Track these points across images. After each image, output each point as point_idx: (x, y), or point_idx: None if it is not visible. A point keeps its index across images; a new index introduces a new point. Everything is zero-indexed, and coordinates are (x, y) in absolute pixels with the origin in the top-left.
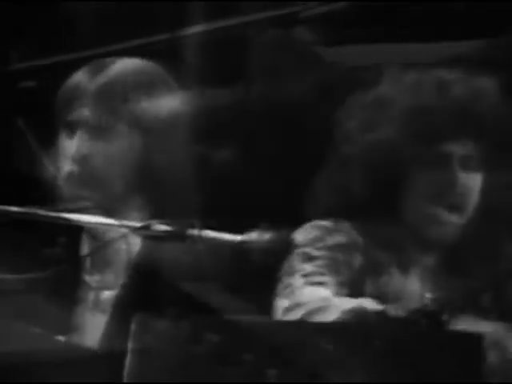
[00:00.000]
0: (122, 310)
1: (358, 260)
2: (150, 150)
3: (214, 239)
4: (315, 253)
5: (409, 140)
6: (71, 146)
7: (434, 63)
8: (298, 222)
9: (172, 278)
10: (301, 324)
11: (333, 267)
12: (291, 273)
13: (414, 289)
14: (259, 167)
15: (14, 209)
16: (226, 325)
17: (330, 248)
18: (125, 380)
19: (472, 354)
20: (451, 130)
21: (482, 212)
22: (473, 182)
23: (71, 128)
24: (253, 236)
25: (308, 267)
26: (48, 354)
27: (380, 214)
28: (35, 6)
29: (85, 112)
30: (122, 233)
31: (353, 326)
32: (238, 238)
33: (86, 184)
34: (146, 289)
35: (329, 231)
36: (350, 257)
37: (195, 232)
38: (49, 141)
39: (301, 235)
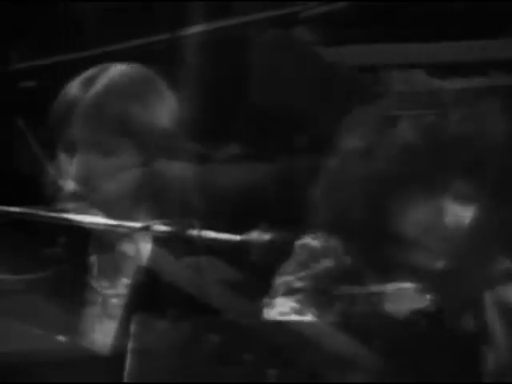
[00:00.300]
0: (131, 313)
1: (345, 286)
2: (150, 160)
3: (214, 239)
4: (297, 284)
5: (405, 175)
6: (71, 165)
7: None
8: (298, 222)
9: (176, 279)
10: (301, 324)
11: (315, 301)
12: (274, 296)
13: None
14: (259, 167)
15: (14, 209)
16: (226, 325)
17: (313, 278)
18: (125, 380)
19: (472, 354)
20: (445, 168)
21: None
22: (465, 215)
23: (69, 146)
24: (253, 236)
25: (287, 305)
26: (48, 355)
27: (371, 235)
28: (35, 6)
29: (81, 130)
30: (126, 234)
31: (353, 326)
32: (237, 237)
33: (91, 203)
34: (153, 291)
35: (315, 256)
36: (336, 282)
37: (195, 232)
38: (49, 141)
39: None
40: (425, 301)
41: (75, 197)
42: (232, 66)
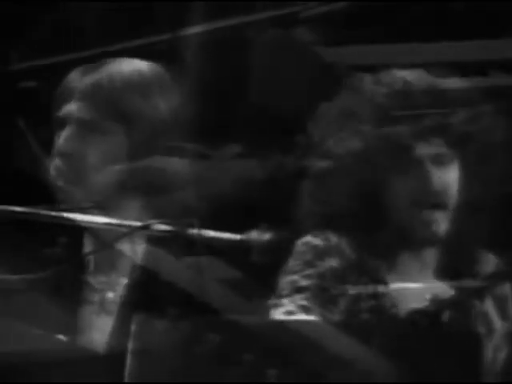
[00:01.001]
0: (129, 311)
1: (351, 279)
2: (140, 149)
3: (213, 239)
4: (304, 282)
5: (379, 149)
6: (58, 141)
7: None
8: (296, 221)
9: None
10: (301, 324)
11: (321, 298)
12: (280, 295)
13: (413, 292)
14: (259, 167)
15: (14, 209)
16: (226, 325)
17: (320, 276)
18: (126, 380)
19: (472, 354)
20: (417, 133)
21: (464, 202)
22: (448, 176)
23: (60, 123)
24: (253, 236)
25: (294, 303)
26: (48, 354)
27: (367, 222)
28: (35, 6)
29: (72, 107)
30: (126, 233)
31: (355, 325)
32: (237, 237)
33: (71, 179)
34: (151, 290)
35: (319, 254)
36: (342, 280)
37: (195, 232)
38: (49, 141)
39: (292, 257)
40: (425, 301)
41: (58, 174)
42: (232, 66)
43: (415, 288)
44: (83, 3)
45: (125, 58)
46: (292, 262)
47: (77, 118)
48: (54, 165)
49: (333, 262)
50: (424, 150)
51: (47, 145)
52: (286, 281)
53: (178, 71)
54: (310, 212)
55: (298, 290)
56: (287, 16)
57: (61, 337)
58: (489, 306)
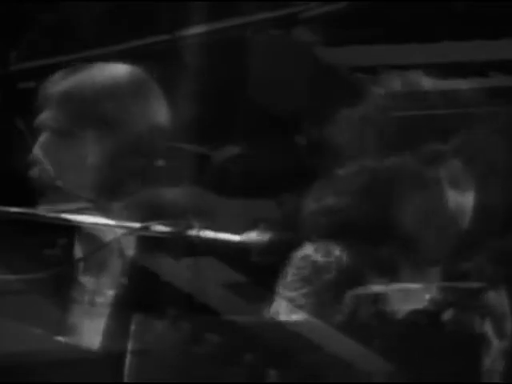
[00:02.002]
0: (120, 311)
1: (349, 293)
2: (120, 152)
3: (213, 239)
4: (301, 301)
5: (399, 161)
6: (34, 148)
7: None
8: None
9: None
10: (301, 324)
11: (319, 311)
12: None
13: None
14: (259, 168)
15: (14, 209)
16: (226, 325)
17: (317, 293)
18: (125, 380)
19: (472, 354)
20: (436, 149)
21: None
22: (464, 200)
23: (37, 132)
24: (252, 236)
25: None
26: (48, 355)
27: (375, 234)
28: (35, 6)
29: (46, 115)
30: (115, 234)
31: (355, 327)
32: (237, 237)
33: (50, 184)
34: (144, 289)
35: (317, 270)
36: (339, 293)
37: (194, 232)
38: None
39: (289, 272)
40: (425, 301)
41: (37, 180)
42: (231, 67)
43: (415, 288)
44: (83, 4)
45: (100, 63)
46: (290, 277)
47: (50, 126)
48: (35, 172)
49: (329, 277)
50: (441, 170)
51: None
52: (283, 297)
53: (178, 72)
54: (314, 218)
55: (296, 307)
56: (287, 17)
57: (60, 337)
58: (487, 324)
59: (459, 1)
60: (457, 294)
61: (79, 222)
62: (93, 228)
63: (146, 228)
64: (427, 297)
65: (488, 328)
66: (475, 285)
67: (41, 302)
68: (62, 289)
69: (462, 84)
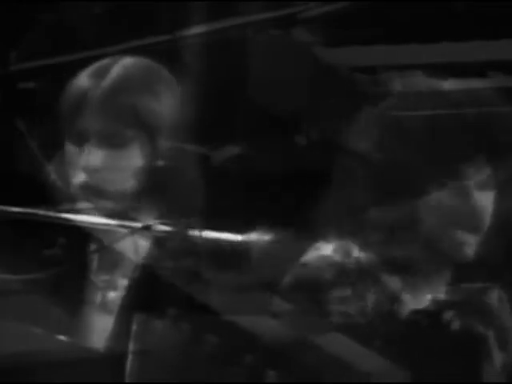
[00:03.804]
0: (129, 311)
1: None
2: (158, 152)
3: (214, 239)
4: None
5: (424, 161)
6: (81, 156)
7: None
8: (299, 223)
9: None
10: (300, 324)
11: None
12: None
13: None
14: (261, 168)
15: (14, 209)
16: (226, 325)
17: (349, 296)
18: (125, 380)
19: (472, 354)
20: (465, 151)
21: (495, 228)
22: (488, 202)
23: (80, 137)
24: (253, 236)
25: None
26: (48, 355)
27: (395, 235)
28: (35, 6)
29: (93, 120)
30: (127, 234)
31: (353, 325)
32: (237, 237)
33: (100, 195)
34: (152, 290)
35: (340, 272)
36: (361, 294)
37: (196, 232)
38: (48, 141)
39: (305, 269)
40: (425, 301)
41: (84, 189)
42: (231, 67)
43: (427, 289)
44: (83, 4)
45: (128, 57)
46: (301, 280)
47: (97, 133)
48: (80, 181)
49: (344, 292)
50: (470, 170)
51: (47, 146)
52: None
53: (178, 72)
54: (335, 216)
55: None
56: (287, 17)
57: (62, 337)
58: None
59: (459, 1)
60: (460, 294)
61: (79, 222)
62: (99, 228)
63: (147, 228)
64: (429, 297)
65: (490, 330)
66: (478, 285)
67: (41, 301)
68: (64, 288)
69: (480, 83)
